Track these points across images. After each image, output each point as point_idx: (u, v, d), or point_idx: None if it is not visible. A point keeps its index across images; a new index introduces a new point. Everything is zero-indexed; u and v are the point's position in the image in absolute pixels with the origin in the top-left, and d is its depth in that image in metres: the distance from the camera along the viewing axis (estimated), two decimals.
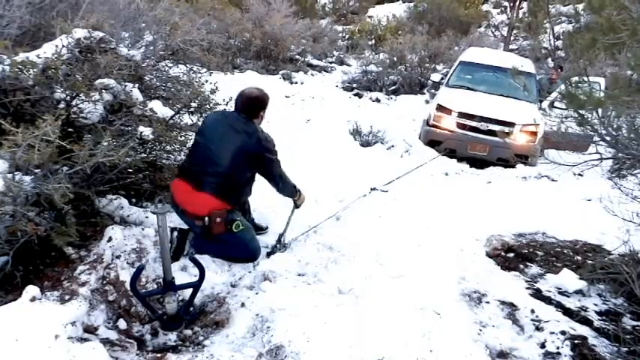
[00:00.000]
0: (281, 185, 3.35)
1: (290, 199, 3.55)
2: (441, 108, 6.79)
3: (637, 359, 2.25)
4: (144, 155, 3.37)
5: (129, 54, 3.19)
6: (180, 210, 3.11)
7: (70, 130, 2.80)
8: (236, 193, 3.15)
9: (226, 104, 3.89)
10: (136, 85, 3.16)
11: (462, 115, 6.60)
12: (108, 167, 2.72)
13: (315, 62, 14.10)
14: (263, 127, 3.24)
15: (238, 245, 3.14)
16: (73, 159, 2.41)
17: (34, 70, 2.67)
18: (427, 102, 9.56)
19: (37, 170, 2.35)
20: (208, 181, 3.00)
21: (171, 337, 2.45)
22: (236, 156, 3.01)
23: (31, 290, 2.12)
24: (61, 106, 2.83)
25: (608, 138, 3.02)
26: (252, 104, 3.18)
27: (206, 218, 3.00)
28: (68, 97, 2.85)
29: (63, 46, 2.85)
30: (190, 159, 3.17)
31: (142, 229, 2.99)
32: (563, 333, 2.53)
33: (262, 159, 3.12)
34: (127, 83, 3.04)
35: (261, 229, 3.62)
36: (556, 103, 6.12)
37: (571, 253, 3.58)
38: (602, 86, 5.99)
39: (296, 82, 11.21)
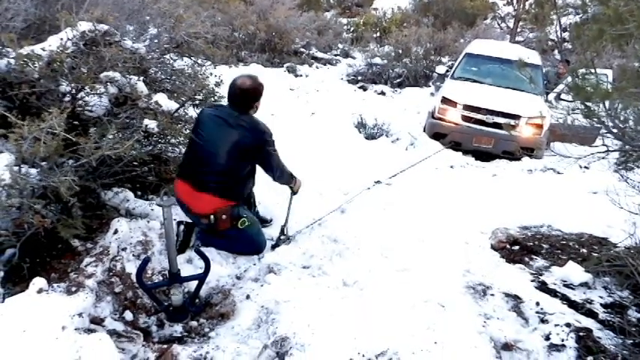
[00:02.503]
0: (278, 174, 3.27)
1: (286, 186, 3.48)
2: (446, 100, 6.75)
3: None
4: (149, 148, 3.38)
5: (133, 47, 3.19)
6: (185, 208, 3.10)
7: (75, 123, 2.81)
8: (238, 189, 3.12)
9: None
10: (141, 78, 3.16)
11: (467, 107, 6.56)
12: (113, 160, 2.74)
13: (319, 55, 14.05)
14: (258, 117, 3.14)
15: (244, 240, 3.16)
16: (79, 152, 2.42)
17: (40, 63, 2.68)
18: (432, 94, 9.51)
19: (43, 163, 2.36)
20: (208, 180, 2.97)
21: (177, 329, 2.47)
22: (232, 153, 2.96)
23: (38, 282, 2.14)
24: (67, 99, 2.84)
25: (614, 130, 2.99)
26: (245, 97, 3.03)
27: (211, 216, 3.00)
28: (73, 90, 2.86)
29: (68, 39, 2.86)
30: (188, 158, 3.11)
31: (148, 222, 3.01)
32: (568, 325, 2.52)
33: (260, 151, 3.05)
34: (131, 76, 3.04)
35: (265, 222, 3.63)
36: (563, 95, 6.08)
37: (576, 246, 3.56)
38: (609, 78, 5.93)
39: (301, 75, 11.18)
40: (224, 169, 2.97)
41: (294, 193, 3.50)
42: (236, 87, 3.01)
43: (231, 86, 3.04)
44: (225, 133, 2.97)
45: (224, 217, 3.01)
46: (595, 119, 2.98)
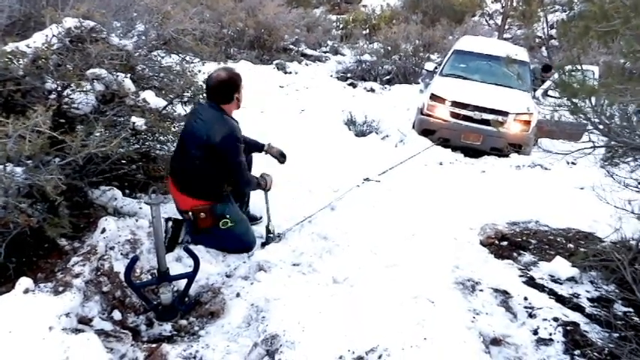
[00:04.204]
0: (243, 183, 3.21)
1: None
2: (434, 97, 6.76)
3: (628, 345, 2.27)
4: (137, 146, 3.36)
5: (120, 43, 3.16)
6: (175, 201, 3.17)
7: (61, 120, 2.78)
8: (210, 189, 3.03)
9: None
10: (128, 75, 3.13)
11: (455, 104, 6.58)
12: (101, 158, 2.71)
13: (309, 52, 14.02)
14: (236, 116, 3.09)
15: (232, 238, 3.16)
16: (65, 150, 2.39)
17: (25, 60, 2.64)
18: (421, 91, 9.53)
19: (28, 161, 2.33)
20: (183, 180, 3.03)
21: (167, 328, 2.45)
22: (199, 149, 2.90)
23: (25, 282, 2.12)
24: (52, 96, 2.81)
25: (601, 126, 3.02)
26: (222, 88, 2.98)
27: (190, 213, 3.03)
28: (59, 87, 2.82)
29: (53, 35, 2.82)
30: (173, 156, 3.18)
31: (136, 220, 2.99)
32: (555, 319, 2.55)
33: (225, 155, 2.94)
34: (118, 73, 3.01)
35: (255, 220, 3.62)
36: (550, 92, 6.14)
37: (564, 241, 3.60)
38: (595, 74, 6.00)
39: (290, 72, 11.15)
40: (193, 166, 2.94)
41: (267, 191, 3.43)
42: (212, 80, 2.98)
43: (207, 80, 3.02)
44: (195, 129, 2.94)
45: (202, 215, 3.01)
46: (581, 115, 3.00)
